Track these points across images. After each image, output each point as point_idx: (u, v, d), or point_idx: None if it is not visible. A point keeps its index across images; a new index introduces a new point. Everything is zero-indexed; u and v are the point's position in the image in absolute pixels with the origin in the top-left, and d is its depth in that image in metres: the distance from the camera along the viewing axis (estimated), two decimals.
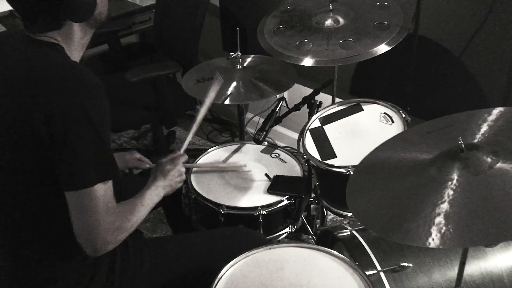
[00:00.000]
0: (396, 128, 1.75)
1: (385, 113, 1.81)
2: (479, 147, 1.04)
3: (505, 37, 1.83)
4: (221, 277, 1.22)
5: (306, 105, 1.91)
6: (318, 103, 1.92)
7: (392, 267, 1.29)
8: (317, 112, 1.90)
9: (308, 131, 1.82)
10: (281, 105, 1.90)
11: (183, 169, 1.46)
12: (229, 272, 1.24)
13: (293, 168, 1.81)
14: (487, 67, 1.92)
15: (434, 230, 0.92)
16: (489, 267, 1.32)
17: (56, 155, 1.09)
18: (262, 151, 1.91)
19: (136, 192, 1.31)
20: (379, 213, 1.05)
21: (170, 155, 1.48)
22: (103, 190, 1.13)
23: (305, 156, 1.75)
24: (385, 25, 1.79)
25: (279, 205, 1.66)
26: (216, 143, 2.43)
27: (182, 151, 1.53)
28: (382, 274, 1.28)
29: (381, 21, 1.81)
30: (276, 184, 1.72)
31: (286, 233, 1.75)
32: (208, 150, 1.91)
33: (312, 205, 2.05)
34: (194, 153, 1.90)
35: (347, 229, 1.44)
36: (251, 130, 2.91)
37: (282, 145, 2.60)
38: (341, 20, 1.86)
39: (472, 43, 1.92)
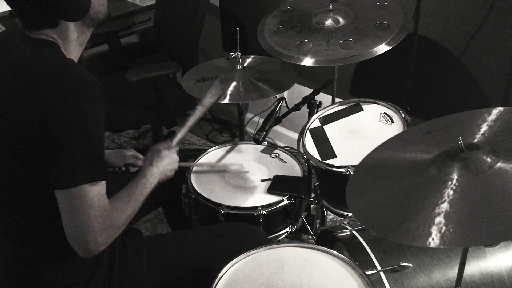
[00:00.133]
0: (396, 128, 1.75)
1: (385, 113, 1.81)
2: (479, 147, 1.04)
3: (505, 37, 1.83)
4: (221, 277, 1.22)
5: (306, 105, 1.91)
6: (318, 103, 1.92)
7: (392, 267, 1.29)
8: (317, 112, 1.90)
9: (308, 131, 1.83)
10: (281, 105, 1.91)
11: (177, 157, 1.45)
12: (229, 272, 1.24)
13: (293, 168, 1.81)
14: (487, 67, 1.92)
15: (434, 230, 0.92)
16: (489, 267, 1.32)
17: (47, 154, 1.10)
18: (262, 151, 1.91)
19: None
20: (379, 213, 1.05)
21: (165, 142, 1.47)
22: (93, 190, 1.11)
23: (305, 156, 1.75)
24: (385, 25, 1.79)
25: (279, 205, 1.66)
26: (216, 143, 2.43)
27: (174, 143, 1.49)
28: (382, 274, 1.28)
29: (381, 21, 1.81)
30: (276, 184, 1.72)
31: (286, 233, 1.75)
32: (208, 150, 1.91)
33: (312, 205, 2.05)
34: (194, 153, 1.90)
35: (347, 229, 1.44)
36: (251, 130, 2.91)
37: (282, 145, 2.60)
38: (341, 20, 1.86)
39: (472, 43, 1.92)
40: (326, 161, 1.69)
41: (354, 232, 1.42)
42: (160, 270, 1.37)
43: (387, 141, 1.29)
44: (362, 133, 1.78)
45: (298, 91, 2.47)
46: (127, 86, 2.26)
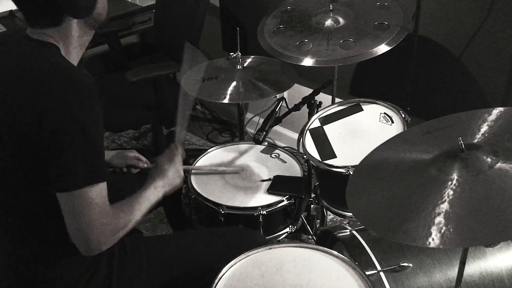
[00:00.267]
0: (396, 128, 1.75)
1: (385, 113, 1.81)
2: (479, 147, 1.04)
3: (505, 37, 1.83)
4: (221, 277, 1.22)
5: (306, 105, 1.91)
6: (318, 103, 1.92)
7: (392, 267, 1.29)
8: (317, 112, 1.90)
9: (308, 131, 1.83)
10: (281, 105, 1.90)
11: (181, 168, 1.46)
12: (229, 272, 1.24)
13: (293, 168, 1.81)
14: (487, 67, 1.92)
15: (434, 230, 0.92)
16: (489, 267, 1.32)
17: (47, 156, 1.10)
18: (262, 151, 1.91)
19: (133, 192, 1.31)
20: (379, 213, 1.05)
21: (167, 151, 1.48)
22: (94, 192, 1.12)
23: (305, 156, 1.75)
24: (385, 25, 1.79)
25: (279, 205, 1.66)
26: (216, 143, 2.43)
27: (176, 142, 1.50)
28: (382, 274, 1.28)
29: (381, 21, 1.81)
30: (276, 184, 1.72)
31: (286, 233, 1.75)
32: (208, 150, 1.91)
33: (312, 205, 2.05)
34: (194, 153, 1.90)
35: (347, 229, 1.44)
36: (251, 130, 2.91)
37: (282, 145, 2.60)
38: (341, 20, 1.86)
39: (472, 43, 1.92)
40: (326, 161, 1.69)
41: (354, 232, 1.42)
42: (160, 270, 1.37)
43: (387, 141, 1.29)
44: (362, 133, 1.78)
45: (298, 91, 2.47)
46: (127, 86, 2.26)
